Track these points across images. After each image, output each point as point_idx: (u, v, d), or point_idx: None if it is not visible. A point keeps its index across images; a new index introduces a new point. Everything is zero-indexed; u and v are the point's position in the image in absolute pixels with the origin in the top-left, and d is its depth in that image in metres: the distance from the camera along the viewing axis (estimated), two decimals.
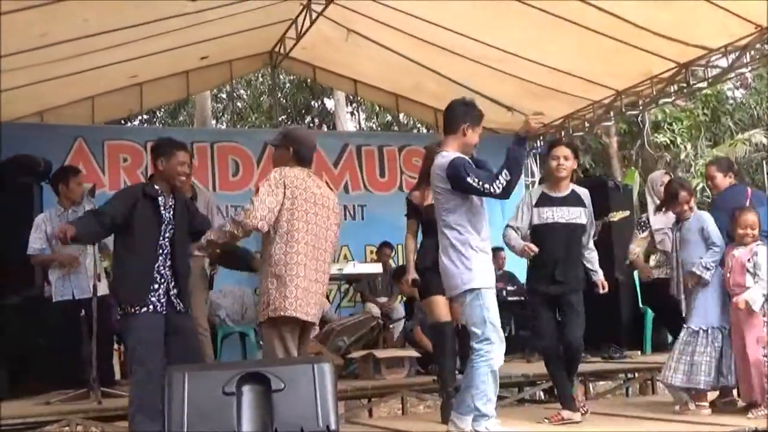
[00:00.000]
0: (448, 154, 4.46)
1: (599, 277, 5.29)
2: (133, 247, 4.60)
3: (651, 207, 6.06)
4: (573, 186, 5.26)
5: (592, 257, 5.28)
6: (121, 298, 4.66)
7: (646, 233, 5.90)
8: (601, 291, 5.28)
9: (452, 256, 4.43)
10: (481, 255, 4.44)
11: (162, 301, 4.59)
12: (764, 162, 10.05)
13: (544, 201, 5.19)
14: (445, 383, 5.25)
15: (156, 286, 4.58)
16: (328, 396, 3.49)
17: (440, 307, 5.21)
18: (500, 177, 4.31)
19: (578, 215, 5.16)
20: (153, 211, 4.65)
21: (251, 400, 3.47)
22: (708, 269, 5.16)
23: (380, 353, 6.86)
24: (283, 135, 4.69)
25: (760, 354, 4.96)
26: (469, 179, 4.32)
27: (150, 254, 4.60)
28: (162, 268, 4.62)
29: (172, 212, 4.71)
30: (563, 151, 5.16)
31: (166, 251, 4.65)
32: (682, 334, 5.25)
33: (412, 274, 5.50)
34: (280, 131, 4.84)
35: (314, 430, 3.41)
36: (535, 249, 4.98)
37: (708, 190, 6.01)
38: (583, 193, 5.25)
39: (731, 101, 17.81)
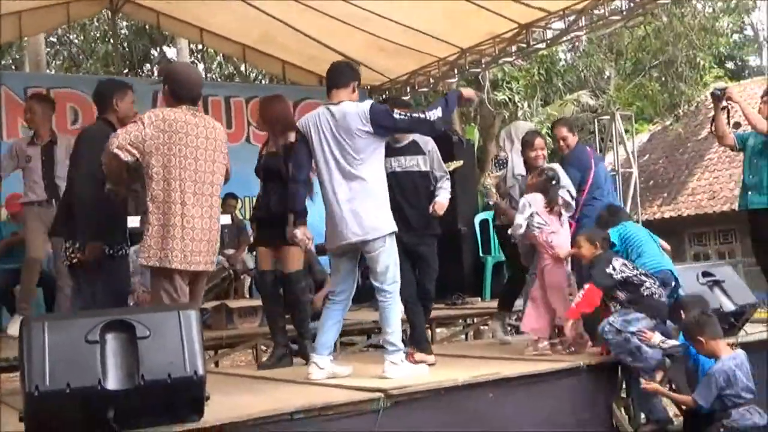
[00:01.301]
0: (355, 102, 4.64)
1: (439, 200, 5.34)
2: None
3: (510, 151, 6.29)
4: (413, 135, 5.36)
5: (443, 185, 5.38)
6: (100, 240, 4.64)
7: (502, 172, 6.12)
8: (434, 211, 5.31)
9: (371, 202, 4.58)
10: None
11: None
12: (596, 120, 10.74)
13: (387, 152, 5.38)
14: (274, 332, 5.49)
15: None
16: (195, 342, 3.52)
17: (263, 257, 5.46)
18: (436, 108, 4.58)
19: (416, 163, 5.32)
20: None
21: (116, 348, 3.44)
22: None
23: (233, 303, 6.90)
24: (164, 71, 4.63)
25: (534, 289, 5.50)
26: (395, 114, 4.55)
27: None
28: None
29: None
30: (405, 106, 5.38)
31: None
32: (529, 280, 5.63)
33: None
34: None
35: (182, 376, 3.45)
36: None
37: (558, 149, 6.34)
38: (423, 141, 5.38)
39: (562, 63, 18.75)
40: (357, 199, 4.56)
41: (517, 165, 6.01)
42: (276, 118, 5.42)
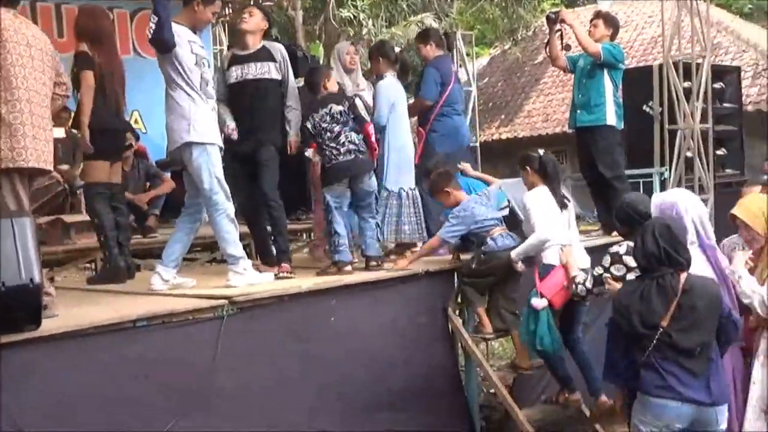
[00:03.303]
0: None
1: (291, 137, 5.41)
2: None
3: (336, 74, 6.33)
4: (265, 42, 5.35)
5: (291, 116, 5.40)
6: None
7: None
8: (290, 152, 5.43)
9: (174, 115, 4.61)
10: (202, 111, 4.64)
11: None
12: None
13: (233, 61, 5.35)
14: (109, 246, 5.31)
15: None
16: (30, 250, 3.43)
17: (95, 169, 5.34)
18: (150, 21, 4.51)
19: (267, 70, 5.26)
20: None
21: None
22: None
23: (69, 218, 6.66)
24: None
25: None
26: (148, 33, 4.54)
27: None
28: None
29: None
30: (248, 9, 5.44)
31: None
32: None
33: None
34: None
35: (17, 284, 3.35)
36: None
37: None
38: (273, 49, 5.33)
39: None
40: (166, 114, 4.71)
41: (348, 86, 6.05)
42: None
